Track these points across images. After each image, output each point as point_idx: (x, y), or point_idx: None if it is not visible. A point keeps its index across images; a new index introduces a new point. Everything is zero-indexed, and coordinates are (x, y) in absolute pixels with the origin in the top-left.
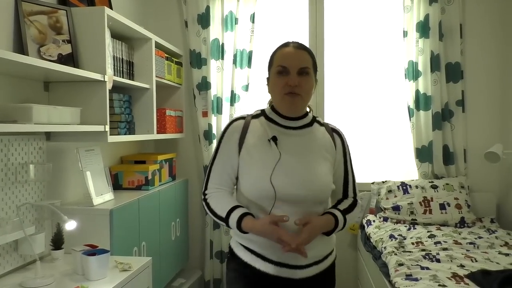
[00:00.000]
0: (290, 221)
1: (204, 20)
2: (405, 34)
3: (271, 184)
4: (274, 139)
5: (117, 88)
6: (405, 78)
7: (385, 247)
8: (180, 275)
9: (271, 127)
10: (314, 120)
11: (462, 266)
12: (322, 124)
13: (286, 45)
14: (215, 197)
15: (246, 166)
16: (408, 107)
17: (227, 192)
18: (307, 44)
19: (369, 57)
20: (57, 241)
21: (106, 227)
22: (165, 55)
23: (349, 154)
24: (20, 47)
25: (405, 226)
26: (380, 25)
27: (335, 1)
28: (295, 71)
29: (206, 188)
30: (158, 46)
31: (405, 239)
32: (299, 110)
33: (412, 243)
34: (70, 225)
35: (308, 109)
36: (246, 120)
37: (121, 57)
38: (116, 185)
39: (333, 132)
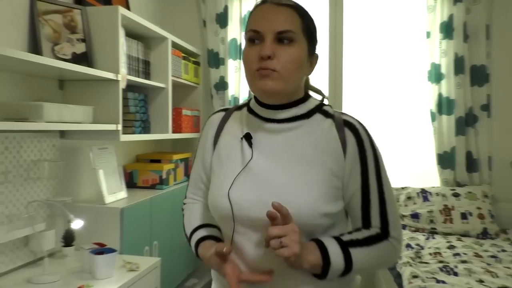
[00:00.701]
0: (255, 252)
1: (222, 19)
2: (427, 35)
3: (228, 199)
4: (247, 137)
5: (133, 87)
6: (428, 81)
7: (400, 257)
8: (193, 275)
9: (249, 121)
10: (317, 109)
11: (481, 281)
12: (330, 115)
13: (263, 1)
14: (188, 211)
15: (213, 174)
16: (430, 111)
17: (203, 205)
18: (326, 44)
19: (390, 59)
20: (68, 238)
21: (117, 226)
22: (182, 54)
23: (375, 160)
24: (35, 46)
25: (424, 235)
26: (402, 25)
27: (356, 0)
28: (271, 36)
29: (185, 197)
30: (175, 45)
31: (422, 249)
32: (277, 94)
33: (430, 254)
34: (76, 224)
35: (319, 95)
36: (228, 112)
37: (137, 56)
38: (131, 184)
39: (346, 126)
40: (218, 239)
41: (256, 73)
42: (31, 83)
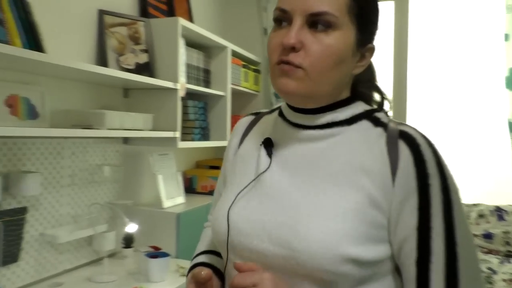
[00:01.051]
0: None
1: None
2: (506, 37)
3: (227, 221)
4: (267, 143)
5: (194, 95)
6: (505, 88)
7: None
8: None
9: (277, 125)
10: (365, 115)
11: None
12: (381, 124)
13: None
14: (203, 234)
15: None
16: (508, 121)
17: None
18: (391, 48)
19: (462, 63)
20: (128, 240)
21: (173, 230)
22: (242, 62)
23: (445, 191)
24: (102, 57)
25: (497, 259)
26: (476, 27)
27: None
28: (301, 19)
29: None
30: (235, 54)
31: (495, 273)
32: (304, 98)
33: (504, 280)
34: (131, 228)
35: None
36: (258, 116)
37: (197, 65)
38: (190, 189)
39: (401, 138)
40: (216, 269)
41: (276, 67)
42: (99, 91)
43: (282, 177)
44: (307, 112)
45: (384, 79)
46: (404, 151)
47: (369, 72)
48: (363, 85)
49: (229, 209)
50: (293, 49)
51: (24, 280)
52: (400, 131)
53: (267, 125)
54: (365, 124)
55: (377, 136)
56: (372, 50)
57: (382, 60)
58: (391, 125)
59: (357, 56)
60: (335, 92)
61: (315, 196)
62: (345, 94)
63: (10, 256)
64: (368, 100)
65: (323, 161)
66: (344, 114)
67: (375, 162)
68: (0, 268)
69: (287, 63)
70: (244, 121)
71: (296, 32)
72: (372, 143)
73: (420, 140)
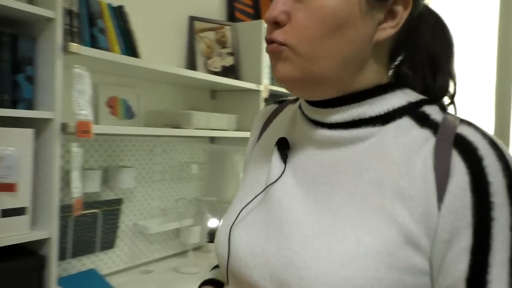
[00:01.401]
0: None
1: None
2: None
3: (227, 243)
4: (281, 144)
5: (278, 96)
6: None
7: None
8: None
9: (295, 119)
10: (408, 109)
11: None
12: (429, 123)
13: None
14: None
15: None
16: None
17: None
18: (494, 45)
19: None
20: (212, 235)
21: None
22: None
23: None
24: (191, 61)
25: None
26: None
27: None
28: None
29: None
30: None
31: None
32: (299, 81)
33: None
34: (211, 223)
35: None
36: (283, 105)
37: None
38: None
39: (456, 147)
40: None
41: (267, 49)
42: (188, 93)
43: (295, 192)
44: (325, 105)
45: (486, 85)
46: (457, 166)
47: (425, 42)
48: (413, 65)
49: (231, 227)
50: (278, 24)
51: (118, 265)
52: (456, 135)
53: (287, 118)
54: (406, 123)
55: (422, 141)
56: (405, 1)
57: (483, 63)
58: (447, 123)
59: (378, 13)
60: (350, 74)
61: (331, 225)
62: (374, 78)
63: (107, 242)
64: (427, 89)
65: (345, 176)
66: (376, 108)
67: (415, 182)
68: (98, 253)
69: (271, 42)
70: (265, 111)
71: (281, 2)
72: (414, 153)
73: (484, 150)
